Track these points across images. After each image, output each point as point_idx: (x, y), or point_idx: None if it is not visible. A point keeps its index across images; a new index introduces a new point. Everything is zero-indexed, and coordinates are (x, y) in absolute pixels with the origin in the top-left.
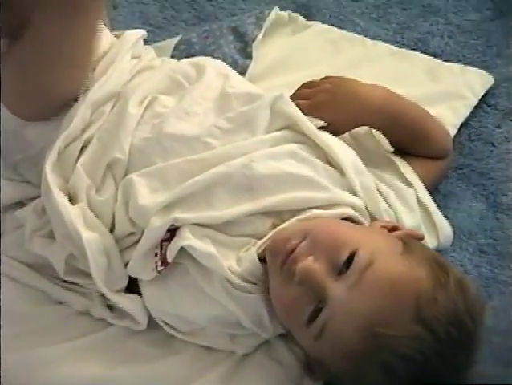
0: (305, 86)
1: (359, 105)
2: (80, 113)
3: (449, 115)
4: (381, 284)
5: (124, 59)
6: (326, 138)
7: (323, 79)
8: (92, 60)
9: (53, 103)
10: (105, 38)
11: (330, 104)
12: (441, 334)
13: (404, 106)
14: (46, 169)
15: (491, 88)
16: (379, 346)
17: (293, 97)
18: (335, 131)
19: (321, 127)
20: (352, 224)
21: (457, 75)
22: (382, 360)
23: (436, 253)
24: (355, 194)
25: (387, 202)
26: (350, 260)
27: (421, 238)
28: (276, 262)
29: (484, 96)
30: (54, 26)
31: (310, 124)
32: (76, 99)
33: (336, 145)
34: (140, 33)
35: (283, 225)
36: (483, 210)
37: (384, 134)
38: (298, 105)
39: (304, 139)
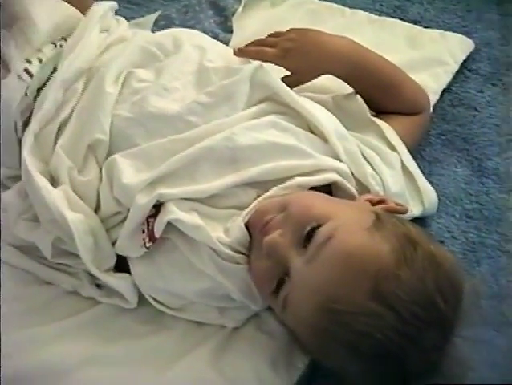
0: (271, 35)
1: (322, 52)
2: (51, 94)
3: (431, 82)
4: (336, 258)
5: (92, 34)
6: (307, 105)
7: (289, 29)
8: None
9: None
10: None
11: (294, 52)
12: (403, 313)
13: (370, 56)
14: (25, 154)
15: (472, 53)
16: (336, 323)
17: (258, 43)
18: (299, 79)
19: (286, 77)
20: (330, 197)
21: (437, 41)
22: (341, 337)
23: (412, 229)
24: (339, 160)
25: (372, 167)
26: (311, 233)
27: (405, 212)
28: (255, 234)
29: (465, 61)
30: None
31: (291, 92)
32: None
33: (318, 112)
34: (107, 5)
35: (267, 194)
36: (468, 175)
37: (351, 84)
38: (263, 52)
39: (285, 109)
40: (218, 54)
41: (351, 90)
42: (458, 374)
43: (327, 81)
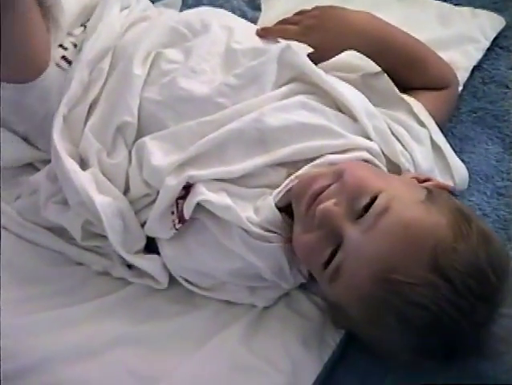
0: (296, 14)
1: (344, 27)
2: (77, 75)
3: (461, 59)
4: (396, 229)
5: (112, 12)
6: (335, 84)
7: (313, 8)
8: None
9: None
10: None
11: (316, 29)
12: (459, 286)
13: (393, 31)
14: (54, 136)
15: (503, 30)
16: (391, 293)
17: (282, 22)
18: (322, 56)
19: (308, 54)
20: (379, 170)
21: (467, 19)
22: (395, 307)
23: (463, 205)
24: (369, 139)
25: (401, 144)
26: (369, 205)
27: (451, 192)
28: (301, 204)
29: (496, 39)
30: None
31: (319, 71)
32: None
33: (346, 91)
34: None
35: (299, 172)
36: (499, 153)
37: (376, 60)
38: (286, 29)
39: (313, 89)
40: (246, 34)
41: (375, 66)
42: (502, 350)
43: (351, 57)
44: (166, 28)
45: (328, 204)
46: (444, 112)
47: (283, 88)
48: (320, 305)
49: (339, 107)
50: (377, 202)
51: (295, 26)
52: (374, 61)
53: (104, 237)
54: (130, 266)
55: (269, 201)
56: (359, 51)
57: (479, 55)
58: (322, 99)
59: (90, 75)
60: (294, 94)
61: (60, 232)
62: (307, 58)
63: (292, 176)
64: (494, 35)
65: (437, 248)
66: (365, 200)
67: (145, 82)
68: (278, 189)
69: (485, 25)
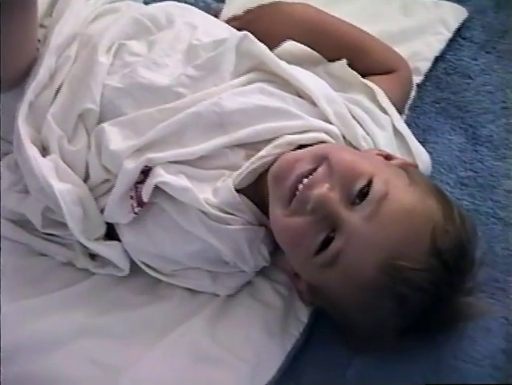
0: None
1: (280, 17)
2: (45, 61)
3: (424, 50)
4: (398, 216)
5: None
6: (294, 72)
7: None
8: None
9: (15, 71)
10: None
11: (253, 22)
12: (451, 266)
13: (328, 20)
14: (19, 121)
15: (465, 21)
16: (396, 279)
17: (232, 19)
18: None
19: None
20: (360, 152)
21: (430, 10)
22: (397, 292)
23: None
24: (330, 123)
25: (363, 128)
26: (364, 190)
27: (417, 167)
28: (283, 187)
29: (459, 29)
30: None
31: (277, 60)
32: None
33: (305, 78)
34: None
35: (260, 154)
36: (462, 143)
37: (314, 49)
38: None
39: (273, 78)
40: (207, 31)
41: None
42: (472, 314)
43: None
44: (131, 20)
45: (323, 190)
46: (399, 95)
47: (243, 77)
48: (283, 295)
49: (300, 94)
50: (374, 188)
51: (238, 21)
52: (312, 49)
53: (65, 224)
54: (93, 257)
55: (227, 183)
56: (295, 40)
57: (441, 46)
58: (282, 87)
59: (56, 62)
60: (253, 82)
61: (23, 224)
62: (265, 47)
63: (253, 159)
64: (457, 26)
65: (435, 231)
66: (360, 185)
67: (107, 71)
68: (239, 171)
69: (448, 16)
